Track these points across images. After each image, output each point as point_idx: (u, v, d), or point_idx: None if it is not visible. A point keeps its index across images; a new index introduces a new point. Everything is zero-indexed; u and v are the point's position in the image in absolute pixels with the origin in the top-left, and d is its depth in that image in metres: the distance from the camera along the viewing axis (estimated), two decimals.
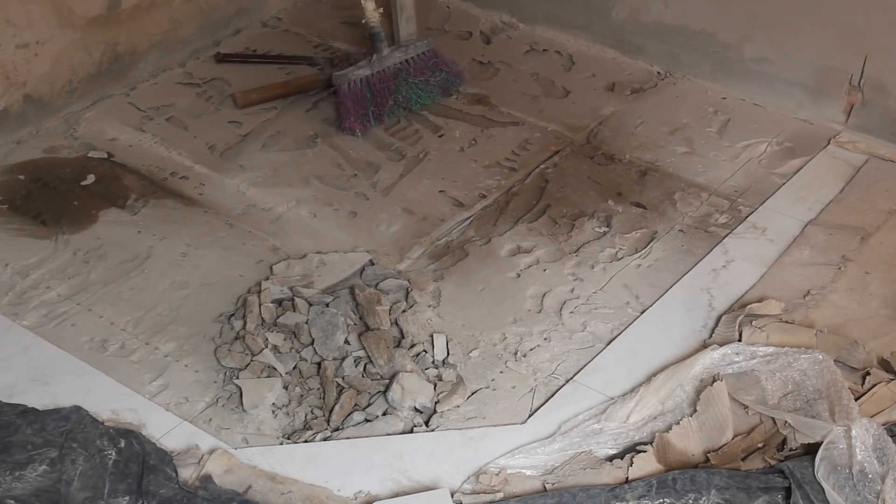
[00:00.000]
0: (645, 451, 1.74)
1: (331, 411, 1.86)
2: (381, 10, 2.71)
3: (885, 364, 1.92)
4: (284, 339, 1.99)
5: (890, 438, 1.71)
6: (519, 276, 2.19)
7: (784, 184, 2.47)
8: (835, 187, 2.44)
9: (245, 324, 2.02)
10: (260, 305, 2.05)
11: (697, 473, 1.66)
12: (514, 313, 2.09)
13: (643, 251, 2.25)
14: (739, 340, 1.96)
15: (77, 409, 1.75)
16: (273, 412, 1.86)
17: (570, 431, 1.79)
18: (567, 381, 1.92)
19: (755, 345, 1.91)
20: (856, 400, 1.80)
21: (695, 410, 1.81)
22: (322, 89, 2.76)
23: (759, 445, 1.74)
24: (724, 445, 1.75)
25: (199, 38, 2.92)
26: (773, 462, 1.70)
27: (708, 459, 1.73)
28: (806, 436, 1.72)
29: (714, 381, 1.84)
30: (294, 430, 1.83)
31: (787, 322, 2.00)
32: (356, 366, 1.94)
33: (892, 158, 2.53)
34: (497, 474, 1.71)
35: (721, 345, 1.95)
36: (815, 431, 1.71)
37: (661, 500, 1.64)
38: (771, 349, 1.88)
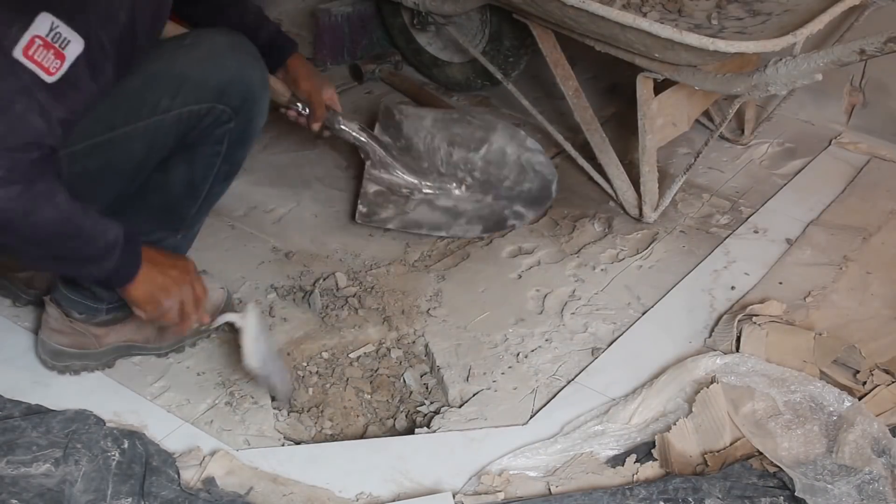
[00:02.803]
0: (650, 454, 1.74)
1: None
2: None
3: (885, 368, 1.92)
4: None
5: (892, 437, 1.72)
6: (520, 277, 2.20)
7: (785, 184, 2.47)
8: (836, 188, 2.44)
9: None
10: None
11: (699, 481, 1.66)
12: (515, 314, 2.10)
13: (644, 252, 2.25)
14: (738, 339, 1.96)
15: (82, 411, 1.76)
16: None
17: (572, 433, 1.79)
18: (568, 382, 1.92)
19: (760, 359, 1.89)
20: (859, 400, 1.81)
21: (690, 411, 1.80)
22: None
23: (758, 451, 1.73)
24: (722, 449, 1.75)
25: None
26: (772, 469, 1.69)
27: (706, 462, 1.73)
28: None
29: (710, 383, 1.84)
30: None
31: (787, 323, 2.00)
32: None
33: (893, 159, 2.54)
34: (499, 475, 1.71)
35: (721, 345, 1.95)
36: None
37: None
38: (777, 369, 1.87)
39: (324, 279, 2.15)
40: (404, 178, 2.29)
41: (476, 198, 2.31)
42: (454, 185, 2.32)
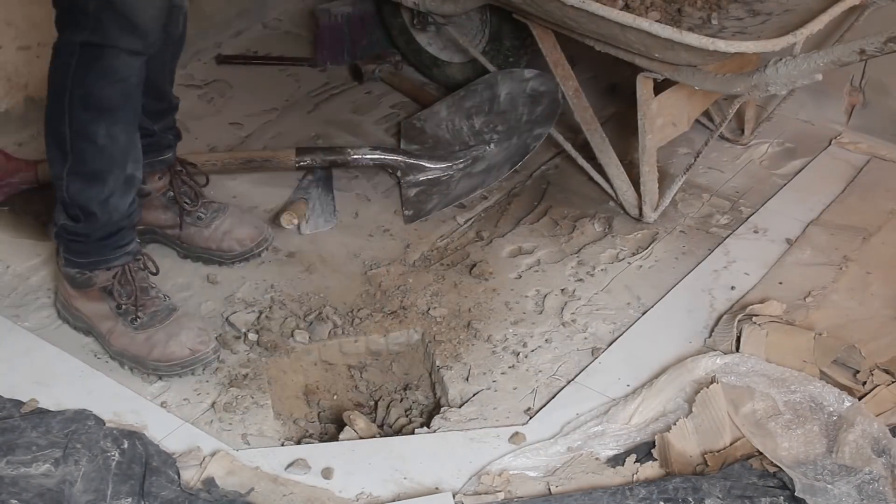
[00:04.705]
0: (650, 454, 1.74)
1: None
2: None
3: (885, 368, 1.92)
4: None
5: (892, 437, 1.72)
6: (520, 277, 2.19)
7: (785, 184, 2.47)
8: (836, 188, 2.44)
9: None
10: None
11: (699, 481, 1.66)
12: (515, 314, 2.10)
13: (644, 252, 2.25)
14: (738, 339, 1.96)
15: (82, 411, 1.76)
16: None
17: (571, 433, 1.79)
18: (568, 383, 1.92)
19: (760, 359, 1.89)
20: (859, 400, 1.81)
21: (690, 411, 1.80)
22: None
23: (758, 451, 1.73)
24: (722, 449, 1.75)
25: (200, 39, 2.92)
26: (772, 469, 1.69)
27: (706, 462, 1.73)
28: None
29: (710, 383, 1.84)
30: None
31: (787, 323, 2.00)
32: None
33: (893, 159, 2.53)
34: (499, 475, 1.71)
35: (721, 346, 1.95)
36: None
37: None
38: (777, 369, 1.86)
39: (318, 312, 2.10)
40: (438, 167, 2.35)
41: (504, 146, 2.39)
42: (484, 147, 2.39)
